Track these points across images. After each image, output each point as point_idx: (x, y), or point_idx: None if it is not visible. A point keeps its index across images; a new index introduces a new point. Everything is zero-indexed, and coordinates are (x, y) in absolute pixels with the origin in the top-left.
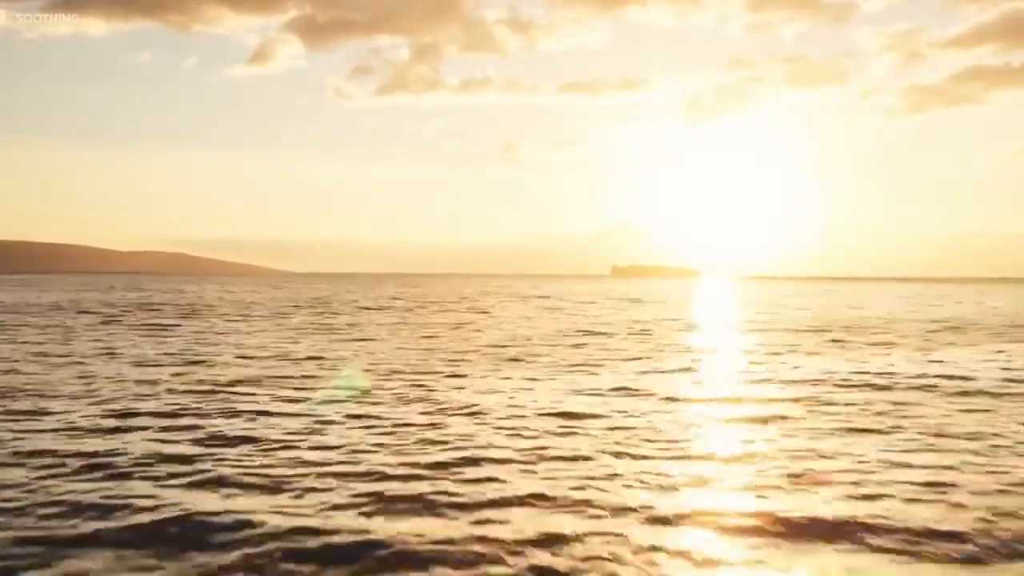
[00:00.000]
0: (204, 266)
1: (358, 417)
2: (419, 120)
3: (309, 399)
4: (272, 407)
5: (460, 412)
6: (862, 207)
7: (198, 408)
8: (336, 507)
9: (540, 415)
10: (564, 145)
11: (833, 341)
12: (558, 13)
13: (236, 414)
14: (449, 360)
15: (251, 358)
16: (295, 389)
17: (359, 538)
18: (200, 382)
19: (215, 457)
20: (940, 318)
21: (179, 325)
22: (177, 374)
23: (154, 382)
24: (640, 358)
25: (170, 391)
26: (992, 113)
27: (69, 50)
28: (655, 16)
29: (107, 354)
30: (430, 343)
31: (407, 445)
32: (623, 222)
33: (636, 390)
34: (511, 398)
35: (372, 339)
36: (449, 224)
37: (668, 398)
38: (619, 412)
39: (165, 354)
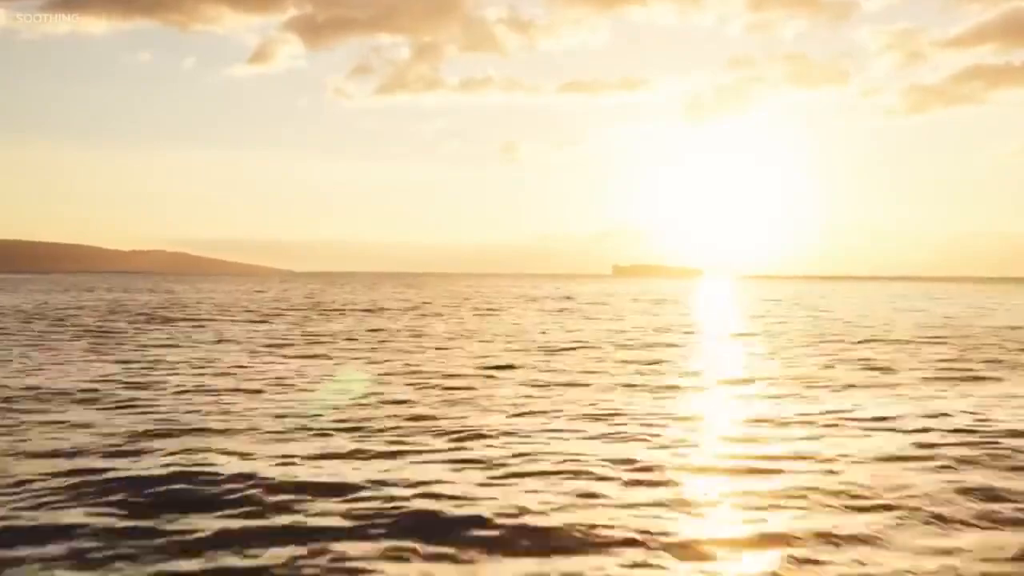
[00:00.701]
0: (206, 266)
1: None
2: (419, 120)
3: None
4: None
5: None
6: (862, 207)
7: None
8: None
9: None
10: (564, 145)
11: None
12: (558, 13)
13: None
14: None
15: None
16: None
17: None
18: None
19: None
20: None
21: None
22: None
23: None
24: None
25: None
26: (992, 113)
27: (69, 50)
28: (655, 15)
29: None
30: (443, 359)
31: None
32: (623, 222)
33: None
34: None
35: (367, 355)
36: (449, 224)
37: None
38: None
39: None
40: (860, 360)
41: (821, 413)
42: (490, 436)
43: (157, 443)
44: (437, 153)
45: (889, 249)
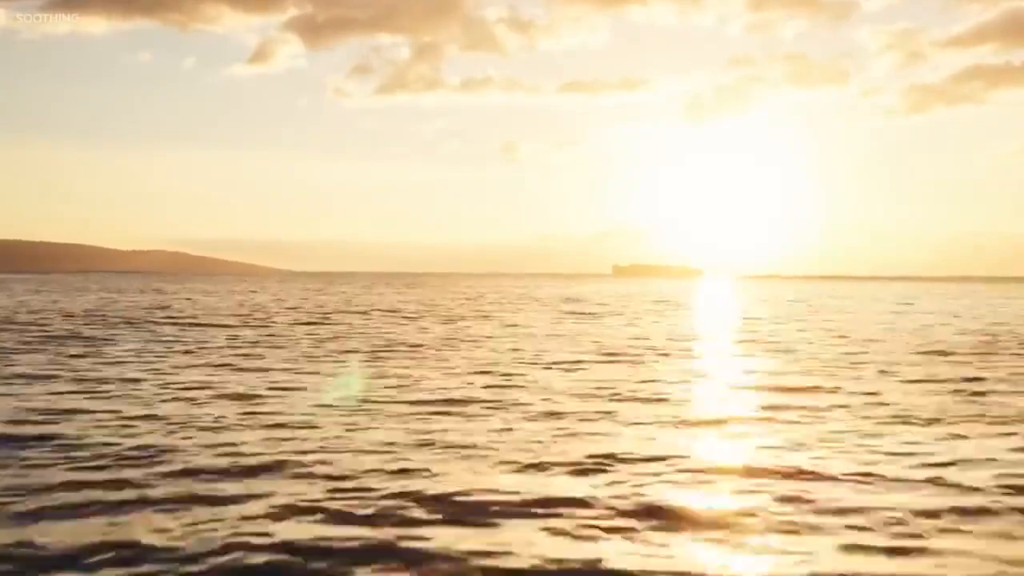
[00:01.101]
0: (206, 265)
1: None
2: (419, 120)
3: None
4: None
5: None
6: (862, 207)
7: None
8: None
9: None
10: (564, 145)
11: None
12: (558, 12)
13: None
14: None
15: None
16: None
17: None
18: None
19: None
20: None
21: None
22: None
23: None
24: None
25: None
26: (993, 113)
27: (69, 50)
28: (655, 15)
29: None
30: (444, 377)
31: None
32: (623, 222)
33: None
34: None
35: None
36: (449, 224)
37: None
38: None
39: None
40: (941, 381)
41: (950, 461)
42: (499, 511)
43: (27, 521)
44: (437, 153)
45: (889, 249)
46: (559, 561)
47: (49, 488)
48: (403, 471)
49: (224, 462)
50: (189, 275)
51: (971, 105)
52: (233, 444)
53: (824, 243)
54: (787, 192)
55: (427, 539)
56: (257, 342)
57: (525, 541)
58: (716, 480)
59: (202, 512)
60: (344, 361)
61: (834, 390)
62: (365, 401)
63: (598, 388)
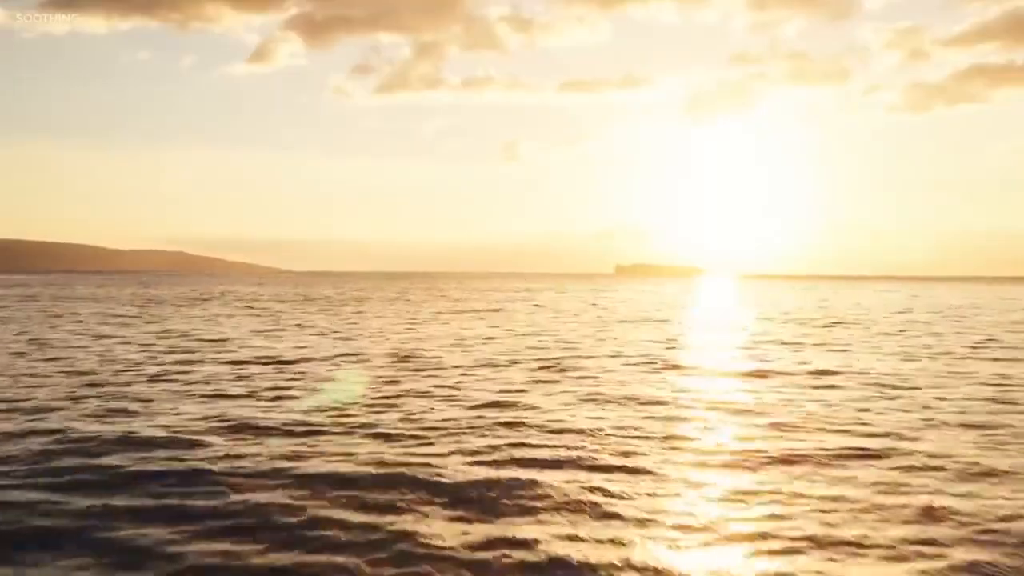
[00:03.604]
0: (206, 265)
1: None
2: (420, 119)
3: None
4: None
5: None
6: (863, 205)
7: None
8: None
9: None
10: (565, 143)
11: None
12: (559, 10)
13: None
14: None
15: None
16: None
17: None
18: None
19: None
20: None
21: None
22: None
23: None
24: None
25: None
26: (995, 111)
27: (68, 49)
28: (657, 13)
29: None
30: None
31: None
32: (624, 220)
33: None
34: None
35: None
36: (450, 223)
37: None
38: None
39: None
40: None
41: None
42: None
43: None
44: (438, 152)
45: (890, 247)
46: None
47: None
48: None
49: None
50: (188, 275)
51: (973, 103)
52: None
53: (825, 241)
54: (788, 191)
55: None
56: None
57: None
58: None
59: None
60: None
61: None
62: None
63: None
